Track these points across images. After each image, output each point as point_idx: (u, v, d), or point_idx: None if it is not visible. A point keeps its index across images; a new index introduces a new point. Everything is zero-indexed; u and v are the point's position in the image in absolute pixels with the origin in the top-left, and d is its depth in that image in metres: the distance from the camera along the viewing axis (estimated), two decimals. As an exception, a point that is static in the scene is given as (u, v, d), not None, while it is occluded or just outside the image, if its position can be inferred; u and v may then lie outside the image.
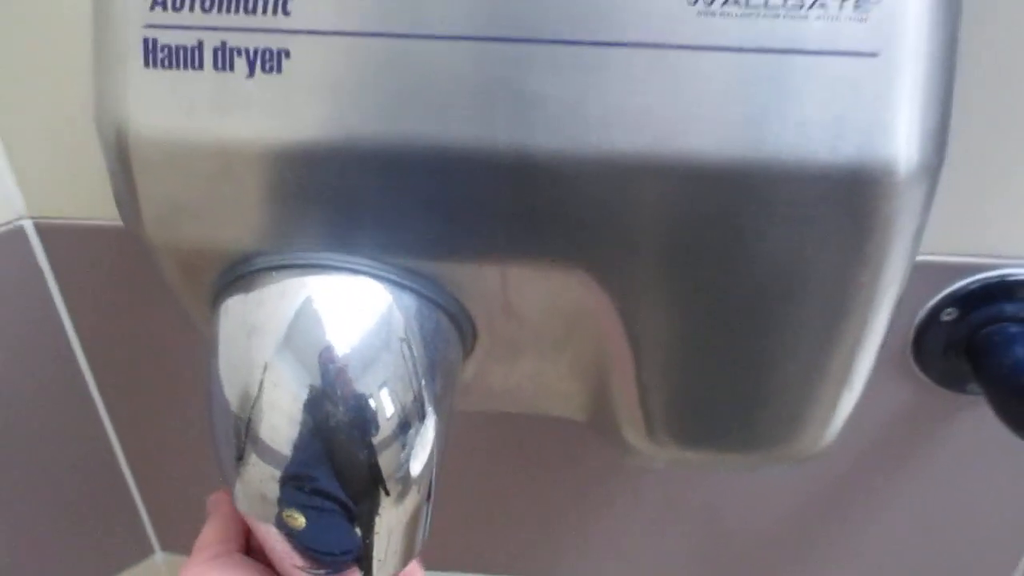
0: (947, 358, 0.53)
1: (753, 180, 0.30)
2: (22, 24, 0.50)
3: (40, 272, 0.57)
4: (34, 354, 0.60)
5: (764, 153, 0.30)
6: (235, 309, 0.35)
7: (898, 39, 0.29)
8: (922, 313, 0.52)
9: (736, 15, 0.29)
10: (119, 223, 0.51)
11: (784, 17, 0.29)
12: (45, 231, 0.56)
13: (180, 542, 0.74)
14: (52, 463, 0.64)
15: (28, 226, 0.55)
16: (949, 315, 0.51)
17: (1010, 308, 0.50)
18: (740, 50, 0.29)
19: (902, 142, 0.30)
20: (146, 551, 0.74)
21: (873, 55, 0.29)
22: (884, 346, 0.50)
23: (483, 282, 0.35)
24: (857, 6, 0.29)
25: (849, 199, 0.30)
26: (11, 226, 0.55)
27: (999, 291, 0.50)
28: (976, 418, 0.56)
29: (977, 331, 0.51)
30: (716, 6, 0.29)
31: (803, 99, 0.29)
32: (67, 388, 0.62)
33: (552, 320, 0.37)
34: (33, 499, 0.64)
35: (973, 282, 0.50)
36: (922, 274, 0.49)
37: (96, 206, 0.54)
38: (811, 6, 0.29)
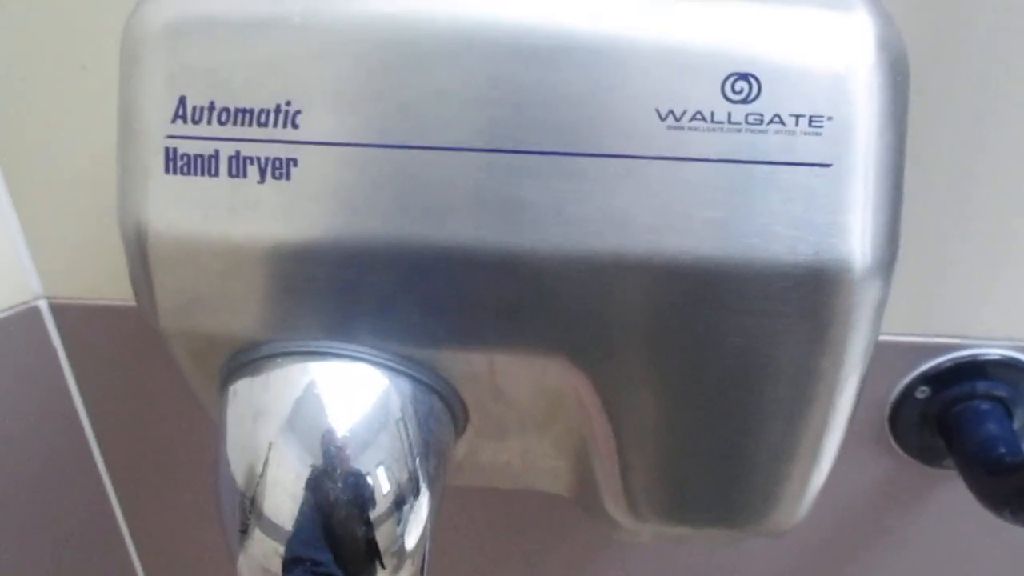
0: (922, 434, 0.55)
1: (720, 278, 0.33)
2: (45, 109, 0.52)
3: (53, 351, 0.59)
4: (45, 431, 0.61)
5: (729, 253, 0.32)
6: (242, 392, 0.37)
7: (849, 150, 0.32)
8: (897, 391, 0.54)
9: (702, 129, 0.32)
10: (131, 304, 0.53)
11: (746, 131, 0.32)
12: (59, 311, 0.58)
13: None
14: (58, 538, 0.65)
15: (43, 306, 0.57)
16: (923, 393, 0.53)
17: (981, 386, 0.52)
18: (706, 160, 0.32)
19: (856, 242, 0.32)
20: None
21: (827, 165, 0.32)
22: (864, 423, 0.52)
23: (473, 368, 0.37)
24: (812, 122, 0.32)
25: (809, 295, 0.33)
26: (27, 306, 0.57)
27: (970, 370, 0.52)
28: (953, 492, 0.57)
29: (949, 408, 0.53)
30: (684, 121, 0.32)
31: (764, 204, 0.32)
32: (75, 465, 0.63)
33: (537, 403, 0.39)
34: (37, 572, 0.65)
35: (945, 361, 0.52)
36: (896, 353, 0.52)
37: (110, 288, 0.56)
38: (770, 122, 0.32)
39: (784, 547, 0.62)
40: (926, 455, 0.56)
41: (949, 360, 0.52)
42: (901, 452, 0.56)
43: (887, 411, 0.55)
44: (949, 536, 0.59)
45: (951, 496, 0.58)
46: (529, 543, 0.65)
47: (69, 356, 0.60)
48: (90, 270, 0.56)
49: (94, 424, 0.63)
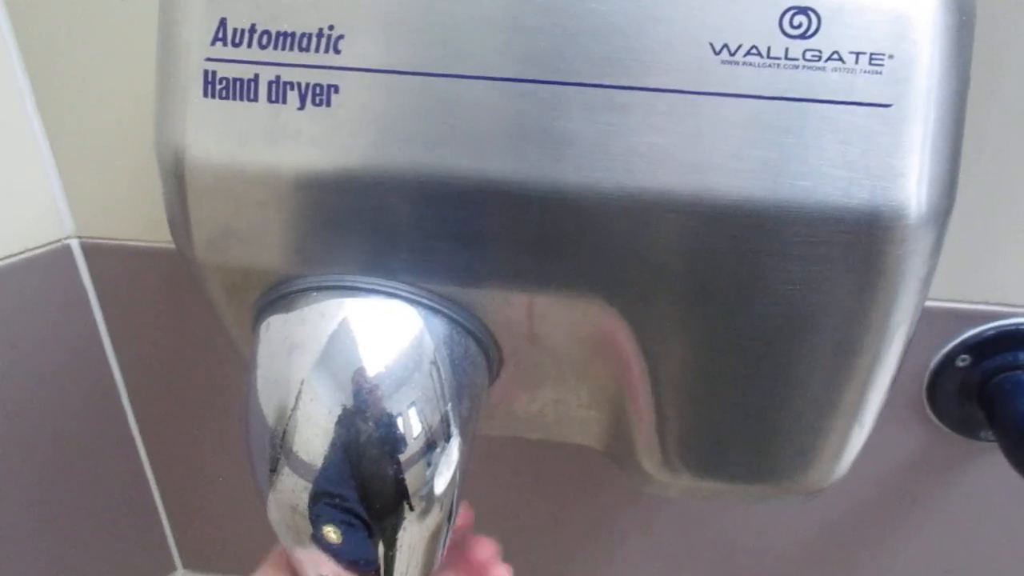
0: (961, 405, 0.54)
1: (768, 220, 0.32)
2: (80, 51, 0.52)
3: (84, 290, 0.59)
4: (72, 367, 0.62)
5: (780, 195, 0.31)
6: (277, 327, 0.37)
7: (910, 91, 0.31)
8: (936, 359, 0.52)
9: (758, 65, 0.31)
10: (162, 246, 0.53)
11: (803, 68, 0.31)
12: (91, 251, 0.58)
13: (201, 560, 0.76)
14: (82, 476, 0.66)
15: (75, 245, 0.58)
16: (963, 362, 0.52)
17: (1024, 356, 0.51)
18: (760, 97, 0.31)
19: (913, 188, 0.31)
20: (167, 567, 0.75)
21: (886, 105, 0.31)
22: (899, 391, 0.51)
23: (510, 310, 0.37)
24: (872, 60, 0.30)
25: (861, 241, 0.32)
26: (59, 244, 0.57)
27: (1013, 339, 0.51)
28: (990, 465, 0.56)
29: (990, 378, 0.52)
30: (739, 56, 0.31)
31: (819, 145, 0.31)
32: (101, 403, 0.64)
33: (574, 349, 0.39)
34: (60, 510, 0.66)
35: (987, 329, 0.51)
36: (937, 320, 0.51)
37: (142, 229, 0.56)
38: (828, 58, 0.31)
39: (811, 517, 0.61)
40: (964, 426, 0.55)
41: (992, 328, 0.51)
42: (937, 423, 0.55)
43: (925, 380, 0.53)
44: (984, 511, 0.58)
45: (988, 469, 0.56)
46: (554, 502, 0.64)
47: (99, 295, 0.60)
48: (123, 211, 0.56)
49: (121, 362, 0.63)
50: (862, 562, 0.62)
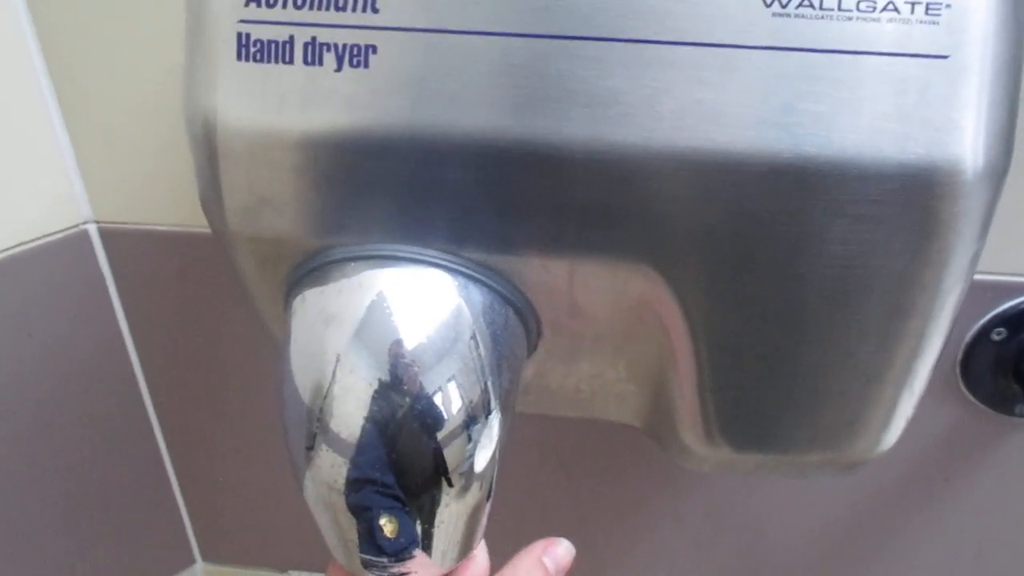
0: (996, 379, 0.53)
1: (822, 178, 0.31)
2: (96, 34, 0.51)
3: (101, 275, 0.58)
4: (90, 356, 0.61)
5: (834, 151, 0.31)
6: (312, 299, 0.36)
7: (968, 41, 0.30)
8: (971, 332, 0.52)
9: (810, 17, 0.30)
10: (181, 230, 0.53)
11: (857, 19, 0.30)
12: (108, 235, 0.57)
13: (221, 553, 0.75)
14: (101, 467, 0.65)
15: (92, 230, 0.57)
16: (999, 335, 0.51)
17: (1061, 329, 0.51)
18: (813, 51, 0.30)
19: (969, 143, 0.30)
20: (187, 561, 0.74)
21: (943, 57, 0.30)
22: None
23: (551, 279, 0.36)
24: (928, 9, 0.30)
25: (916, 198, 0.31)
26: (76, 229, 0.56)
27: (1049, 312, 0.50)
28: (1025, 440, 0.55)
29: (1026, 352, 0.51)
30: (791, 8, 0.30)
31: (874, 99, 0.30)
32: (119, 390, 0.63)
33: (615, 319, 0.38)
34: (79, 502, 0.65)
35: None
36: (972, 292, 0.49)
37: (160, 213, 0.56)
38: (883, 9, 0.30)
39: (840, 497, 0.60)
40: (998, 402, 0.54)
41: (1028, 301, 0.50)
42: (971, 398, 0.54)
43: (959, 354, 0.53)
44: (1018, 488, 0.58)
45: (1023, 446, 0.56)
46: (580, 486, 0.63)
47: (117, 281, 0.59)
48: (141, 195, 0.56)
49: (140, 349, 0.63)
50: (892, 542, 0.62)
